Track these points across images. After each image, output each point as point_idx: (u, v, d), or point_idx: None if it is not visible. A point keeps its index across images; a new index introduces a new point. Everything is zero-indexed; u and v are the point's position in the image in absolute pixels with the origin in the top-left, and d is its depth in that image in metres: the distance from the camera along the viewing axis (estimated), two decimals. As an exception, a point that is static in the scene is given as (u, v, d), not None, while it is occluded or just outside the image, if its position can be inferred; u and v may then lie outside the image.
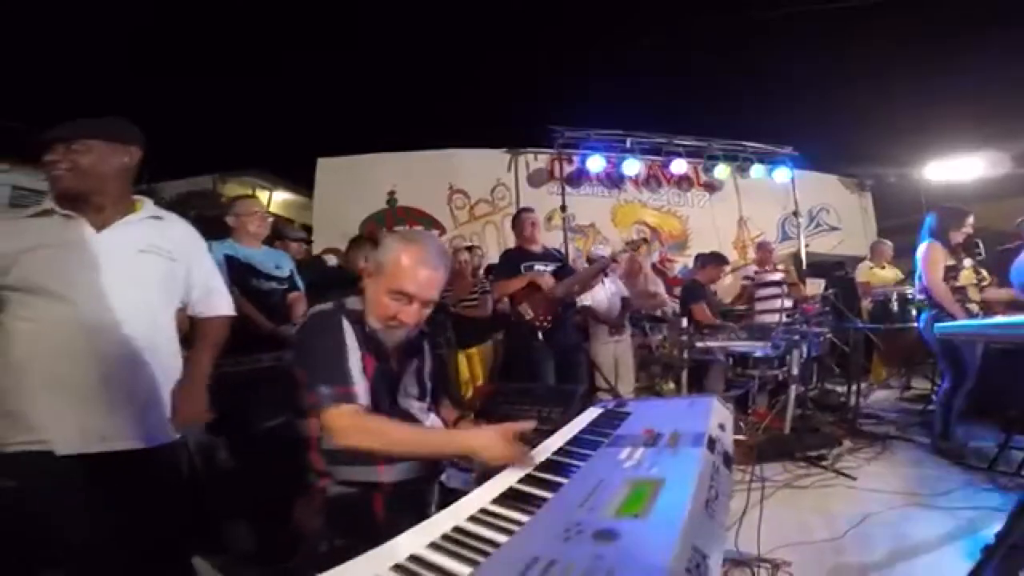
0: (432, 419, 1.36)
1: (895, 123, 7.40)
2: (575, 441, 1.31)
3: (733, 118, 7.13)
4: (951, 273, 3.07)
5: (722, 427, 1.33)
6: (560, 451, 1.25)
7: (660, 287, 4.85)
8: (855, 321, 4.20)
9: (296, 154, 6.55)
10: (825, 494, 2.72)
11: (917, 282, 3.27)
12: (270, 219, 2.67)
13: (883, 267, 5.25)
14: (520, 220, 3.30)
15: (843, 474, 2.90)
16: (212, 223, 2.51)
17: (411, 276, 1.21)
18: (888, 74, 7.43)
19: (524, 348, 3.09)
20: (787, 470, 2.98)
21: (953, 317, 2.92)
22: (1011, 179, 6.51)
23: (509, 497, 1.01)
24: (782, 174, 6.75)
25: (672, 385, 4.18)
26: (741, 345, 3.50)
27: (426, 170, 6.25)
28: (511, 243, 6.28)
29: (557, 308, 3.03)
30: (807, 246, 6.73)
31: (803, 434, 3.34)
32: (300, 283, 2.67)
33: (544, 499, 0.98)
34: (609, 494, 0.93)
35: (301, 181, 6.85)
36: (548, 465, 1.17)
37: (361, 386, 1.16)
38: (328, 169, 6.12)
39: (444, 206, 6.22)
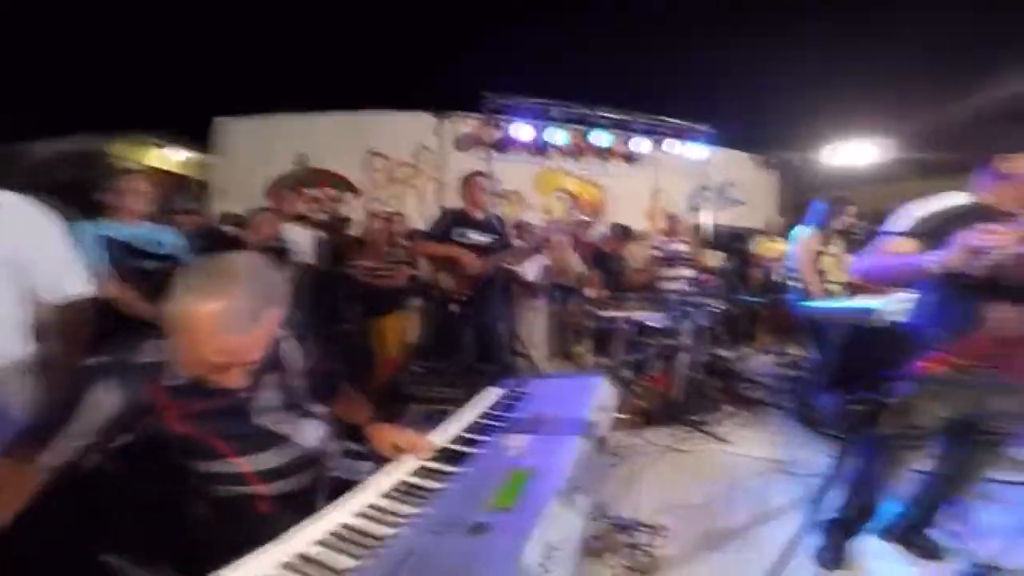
0: (303, 425, 1.19)
1: (802, 107, 7.93)
2: (471, 427, 1.40)
3: (655, 93, 7.33)
4: (817, 258, 3.42)
5: (603, 408, 1.48)
6: (455, 439, 1.34)
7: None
8: (741, 292, 4.61)
9: (198, 112, 5.97)
10: (703, 459, 2.95)
11: (788, 262, 3.63)
12: (152, 193, 2.44)
13: (775, 241, 5.73)
14: (471, 183, 3.18)
15: (720, 439, 3.16)
16: (93, 186, 2.28)
17: (213, 348, 0.94)
18: (798, 59, 7.91)
19: (442, 317, 3.12)
20: (674, 435, 3.19)
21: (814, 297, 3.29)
22: (903, 163, 7.20)
23: (400, 491, 1.09)
24: (697, 150, 7.14)
25: (582, 349, 4.41)
26: (639, 315, 3.73)
27: (343, 132, 5.98)
28: (435, 208, 6.30)
29: (479, 282, 3.01)
30: (714, 219, 7.21)
31: (691, 400, 3.65)
32: (187, 259, 2.49)
33: (432, 490, 1.07)
34: (489, 485, 1.04)
35: (202, 139, 6.26)
36: (441, 455, 1.26)
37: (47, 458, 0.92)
38: (232, 130, 5.71)
39: (361, 169, 6.00)
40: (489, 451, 1.21)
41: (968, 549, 1.92)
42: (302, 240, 3.45)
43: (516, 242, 3.62)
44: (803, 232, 3.48)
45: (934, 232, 1.51)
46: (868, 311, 2.62)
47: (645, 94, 7.15)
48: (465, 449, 1.25)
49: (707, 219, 7.06)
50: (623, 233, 4.81)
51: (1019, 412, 1.63)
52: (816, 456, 2.83)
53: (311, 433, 1.20)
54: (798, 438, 3.21)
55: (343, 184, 5.87)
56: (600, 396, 1.52)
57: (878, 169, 7.18)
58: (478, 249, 3.05)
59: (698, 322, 3.93)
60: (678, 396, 3.66)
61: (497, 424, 1.39)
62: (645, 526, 2.12)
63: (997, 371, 1.53)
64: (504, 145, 6.39)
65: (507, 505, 0.96)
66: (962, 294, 1.46)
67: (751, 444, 3.14)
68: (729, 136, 7.61)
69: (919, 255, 1.48)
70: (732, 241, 6.37)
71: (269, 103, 5.83)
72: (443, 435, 1.34)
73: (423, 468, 1.19)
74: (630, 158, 7.24)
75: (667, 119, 6.97)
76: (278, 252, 2.97)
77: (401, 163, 6.15)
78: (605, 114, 6.65)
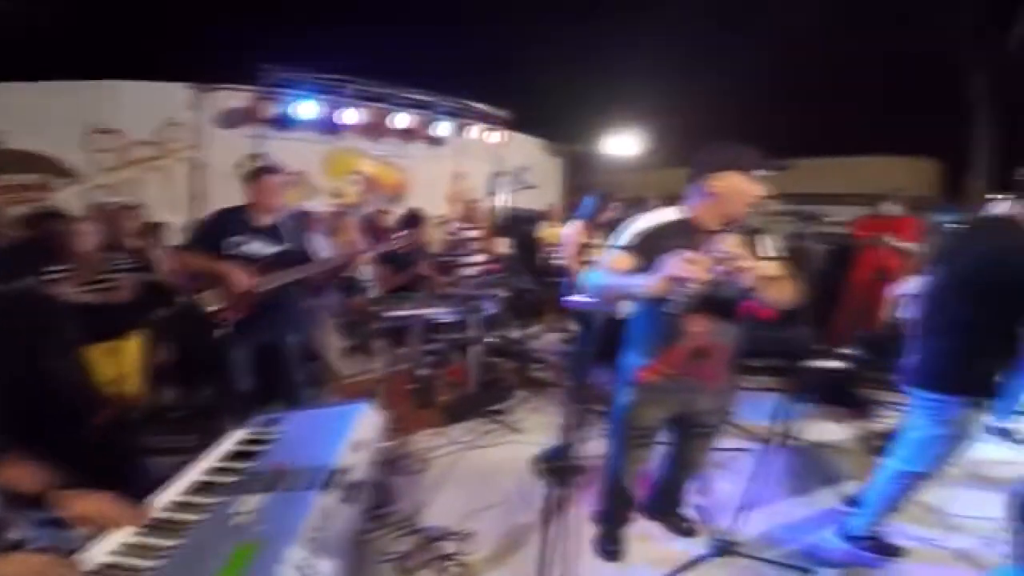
0: None
1: (586, 96, 8.76)
2: (197, 488, 1.25)
3: (456, 76, 7.38)
4: (584, 250, 3.77)
5: (363, 444, 1.43)
6: (172, 504, 1.18)
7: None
8: (527, 275, 5.00)
9: None
10: (502, 451, 3.07)
11: (561, 250, 3.99)
12: None
13: (557, 226, 6.25)
14: (258, 182, 2.61)
15: (515, 429, 3.35)
16: None
17: None
18: (587, 48, 8.66)
19: (202, 339, 2.61)
20: (474, 430, 3.30)
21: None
22: (672, 151, 8.33)
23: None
24: (495, 135, 7.51)
25: (380, 343, 4.25)
26: (428, 311, 3.73)
27: (57, 105, 4.77)
28: (183, 195, 5.51)
29: (256, 301, 2.55)
30: (509, 202, 7.62)
31: (487, 390, 3.86)
32: None
33: (138, 572, 0.95)
34: (207, 564, 0.94)
35: None
36: (157, 526, 1.10)
37: None
38: None
39: (80, 148, 4.88)
40: (212, 519, 1.09)
41: (712, 523, 2.34)
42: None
43: (320, 246, 3.15)
44: (572, 224, 3.83)
45: (647, 248, 1.65)
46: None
47: (447, 76, 7.18)
48: (186, 517, 1.11)
49: (502, 203, 7.43)
50: (416, 220, 4.67)
51: (718, 409, 2.03)
52: (593, 437, 3.03)
53: None
54: (580, 418, 3.55)
55: (49, 168, 4.63)
56: (359, 431, 1.46)
57: (650, 158, 8.30)
58: (259, 262, 2.56)
59: (488, 310, 4.14)
60: (475, 389, 3.83)
61: (228, 480, 1.25)
62: (453, 534, 2.18)
63: (696, 377, 1.84)
64: (284, 123, 5.83)
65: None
66: (666, 312, 1.62)
67: (542, 430, 3.35)
68: (523, 121, 8.07)
69: (629, 277, 1.62)
70: (522, 224, 6.73)
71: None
72: (161, 498, 1.18)
73: (128, 545, 1.04)
74: (433, 140, 7.23)
75: (470, 103, 7.15)
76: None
77: (141, 142, 5.15)
78: (407, 94, 6.54)
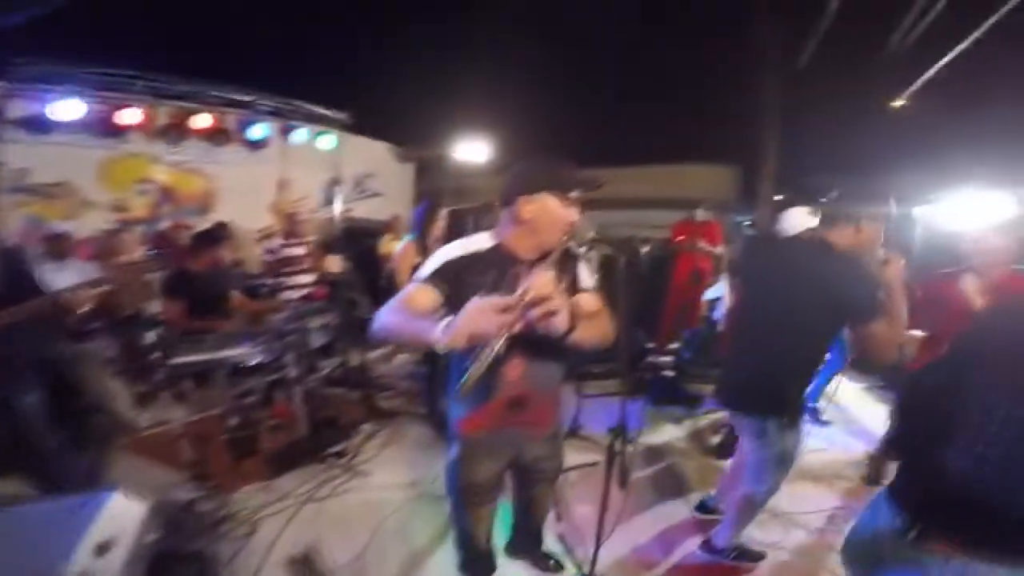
0: None
1: (436, 98, 8.66)
2: None
3: (283, 74, 6.83)
4: (414, 271, 3.57)
5: (109, 545, 1.19)
6: None
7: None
8: (363, 299, 4.85)
9: None
10: (346, 500, 2.82)
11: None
12: None
13: (398, 239, 6.01)
14: None
15: (359, 473, 3.09)
16: None
17: None
18: (431, 54, 8.57)
19: None
20: (309, 478, 3.00)
21: None
22: (516, 157, 8.52)
23: None
24: (327, 140, 6.98)
25: (183, 387, 3.67)
26: (229, 354, 3.21)
27: None
28: None
29: None
30: (350, 212, 7.17)
31: (322, 429, 3.50)
32: None
33: None
34: None
35: None
36: None
37: None
38: None
39: None
40: None
41: (576, 550, 2.39)
42: None
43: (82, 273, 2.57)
44: (402, 243, 3.53)
45: (451, 281, 1.49)
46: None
47: (272, 74, 6.61)
48: None
49: (339, 214, 6.99)
50: (217, 235, 3.98)
51: (551, 454, 1.95)
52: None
53: None
54: (434, 448, 3.37)
55: None
56: (106, 527, 1.21)
57: (499, 163, 8.43)
58: None
59: (315, 342, 3.84)
60: (306, 430, 3.48)
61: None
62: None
63: (519, 426, 1.71)
64: (43, 125, 4.90)
65: None
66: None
67: (392, 469, 3.19)
68: (368, 124, 7.73)
69: (423, 324, 1.34)
70: (361, 238, 6.36)
71: None
72: None
73: None
74: (251, 144, 6.57)
75: (297, 103, 6.65)
76: None
77: None
78: (217, 92, 5.95)
